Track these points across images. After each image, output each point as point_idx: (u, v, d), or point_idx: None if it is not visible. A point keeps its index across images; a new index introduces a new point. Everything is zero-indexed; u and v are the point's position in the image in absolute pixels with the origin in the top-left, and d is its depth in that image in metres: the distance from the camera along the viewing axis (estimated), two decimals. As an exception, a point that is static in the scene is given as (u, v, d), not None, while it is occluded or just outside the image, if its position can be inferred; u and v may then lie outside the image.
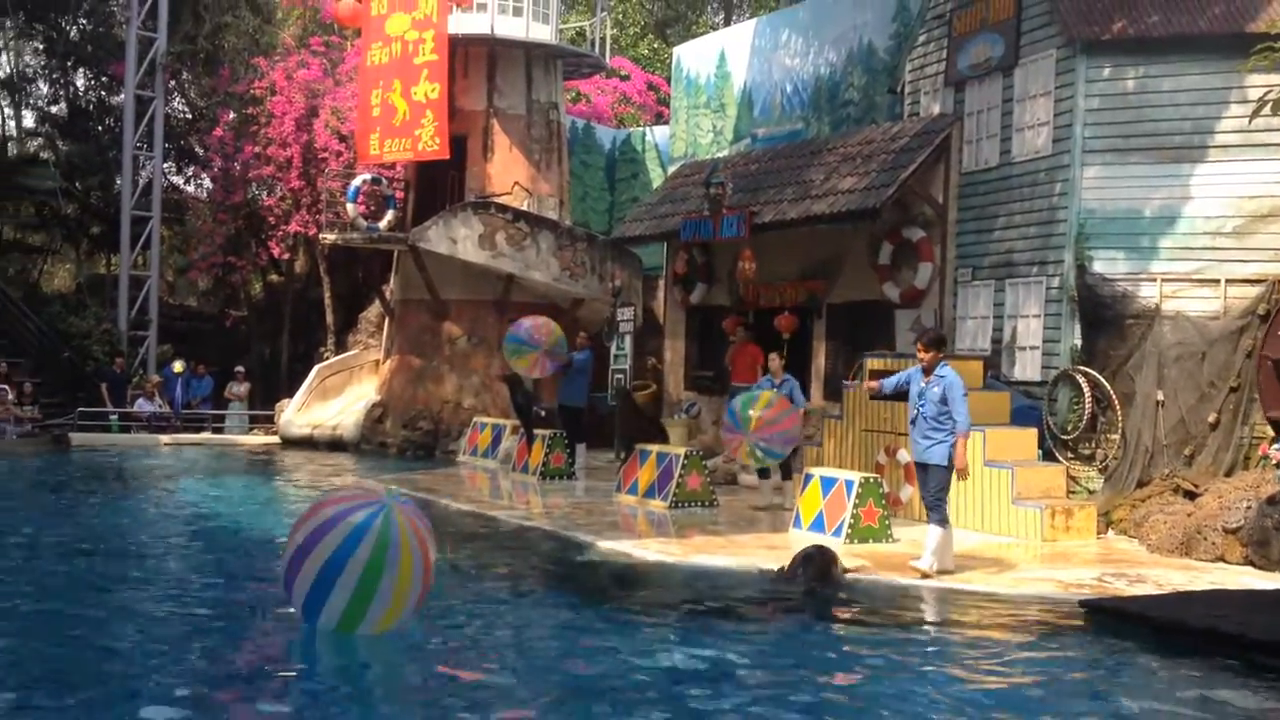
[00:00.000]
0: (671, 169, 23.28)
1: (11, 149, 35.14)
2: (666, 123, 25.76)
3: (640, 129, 27.12)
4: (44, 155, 33.23)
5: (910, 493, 12.97)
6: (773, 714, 6.19)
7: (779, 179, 18.01)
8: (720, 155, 21.74)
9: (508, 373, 17.66)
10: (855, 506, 11.63)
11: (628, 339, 19.88)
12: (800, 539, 11.83)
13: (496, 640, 7.94)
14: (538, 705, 6.42)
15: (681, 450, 14.56)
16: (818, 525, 11.94)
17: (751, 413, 13.23)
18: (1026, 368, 14.58)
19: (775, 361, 14.59)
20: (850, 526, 11.57)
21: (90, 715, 5.94)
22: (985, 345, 15.17)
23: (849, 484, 11.81)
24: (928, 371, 10.11)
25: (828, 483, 12.10)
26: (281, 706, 6.24)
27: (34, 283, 31.71)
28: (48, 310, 26.76)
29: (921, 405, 10.05)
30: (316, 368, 24.16)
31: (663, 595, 9.72)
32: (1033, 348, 14.53)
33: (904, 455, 12.97)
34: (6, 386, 22.04)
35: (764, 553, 11.02)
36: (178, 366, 24.82)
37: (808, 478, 12.48)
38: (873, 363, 14.12)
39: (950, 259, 15.95)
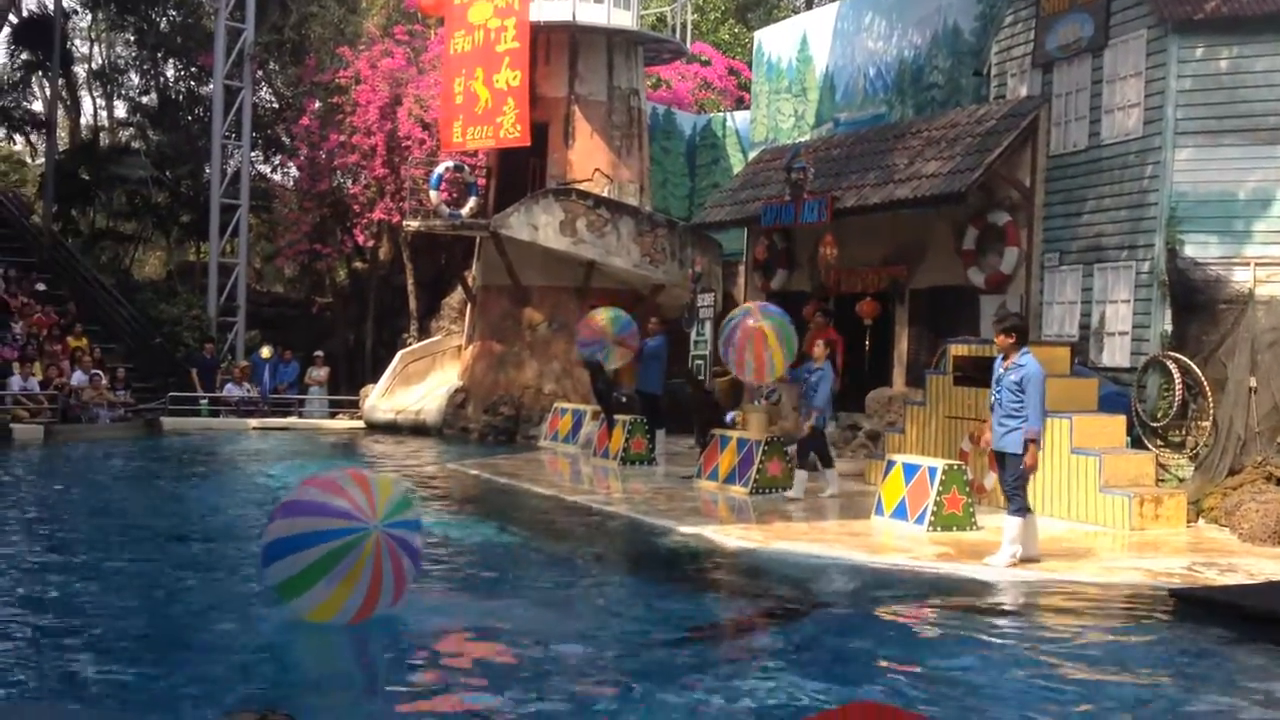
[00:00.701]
0: (752, 154, 23.19)
1: (104, 139, 36.01)
2: (747, 108, 25.66)
3: (721, 114, 27.04)
4: (135, 145, 34.00)
5: (994, 480, 12.81)
6: (853, 698, 6.17)
7: (861, 163, 17.86)
8: (802, 140, 21.61)
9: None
10: (939, 494, 11.52)
11: (708, 325, 19.83)
12: (883, 526, 11.78)
13: (579, 620, 7.99)
14: (620, 684, 6.46)
15: (762, 436, 14.53)
16: (900, 512, 11.85)
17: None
18: (1115, 354, 14.33)
19: (818, 347, 14.30)
20: (934, 514, 11.47)
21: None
22: (1073, 331, 14.94)
23: (932, 471, 11.71)
24: (1007, 357, 9.98)
25: (910, 469, 12.01)
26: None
27: (126, 270, 32.48)
28: (139, 297, 27.41)
29: (998, 391, 9.92)
30: (400, 354, 24.46)
31: (744, 581, 9.72)
32: (1121, 333, 14.28)
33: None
34: (100, 372, 22.59)
35: (846, 539, 10.98)
36: (265, 352, 25.27)
37: (890, 464, 12.39)
38: (956, 349, 13.98)
39: (1037, 243, 15.72)
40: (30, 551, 10.31)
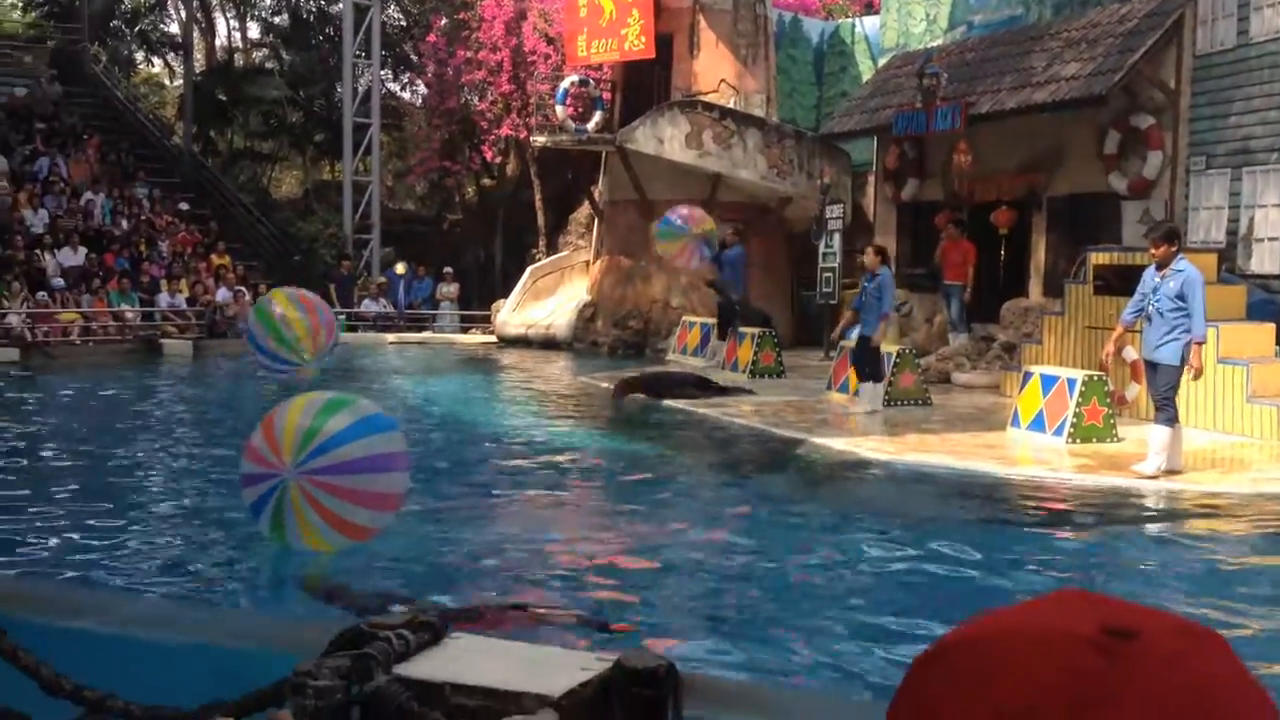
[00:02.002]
0: (882, 61, 22.69)
1: (239, 60, 36.74)
2: (877, 13, 25.05)
3: (849, 20, 26.45)
4: (269, 65, 34.63)
5: (1136, 391, 12.55)
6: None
7: (997, 67, 17.37)
8: (934, 45, 21.06)
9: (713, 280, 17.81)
10: (1078, 405, 11.33)
11: (836, 237, 19.65)
12: (1018, 438, 11.65)
13: (713, 532, 8.10)
14: (758, 595, 6.56)
15: (894, 348, 14.41)
16: (1038, 424, 11.69)
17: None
18: (1264, 260, 13.84)
19: (869, 255, 13.90)
20: (1073, 425, 11.29)
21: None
22: (1219, 237, 14.45)
23: (1071, 382, 11.50)
24: (1162, 267, 9.70)
25: (1048, 380, 11.80)
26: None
27: (264, 189, 33.32)
28: (278, 215, 28.17)
29: (1156, 301, 9.65)
30: (529, 269, 24.73)
31: (880, 492, 9.74)
32: (1271, 239, 13.77)
33: (1130, 352, 12.52)
34: (244, 288, 23.32)
35: (982, 451, 10.89)
36: (400, 268, 25.78)
37: (1027, 375, 12.20)
38: (1097, 257, 13.64)
39: (1182, 147, 15.17)
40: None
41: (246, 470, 6.52)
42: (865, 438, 11.85)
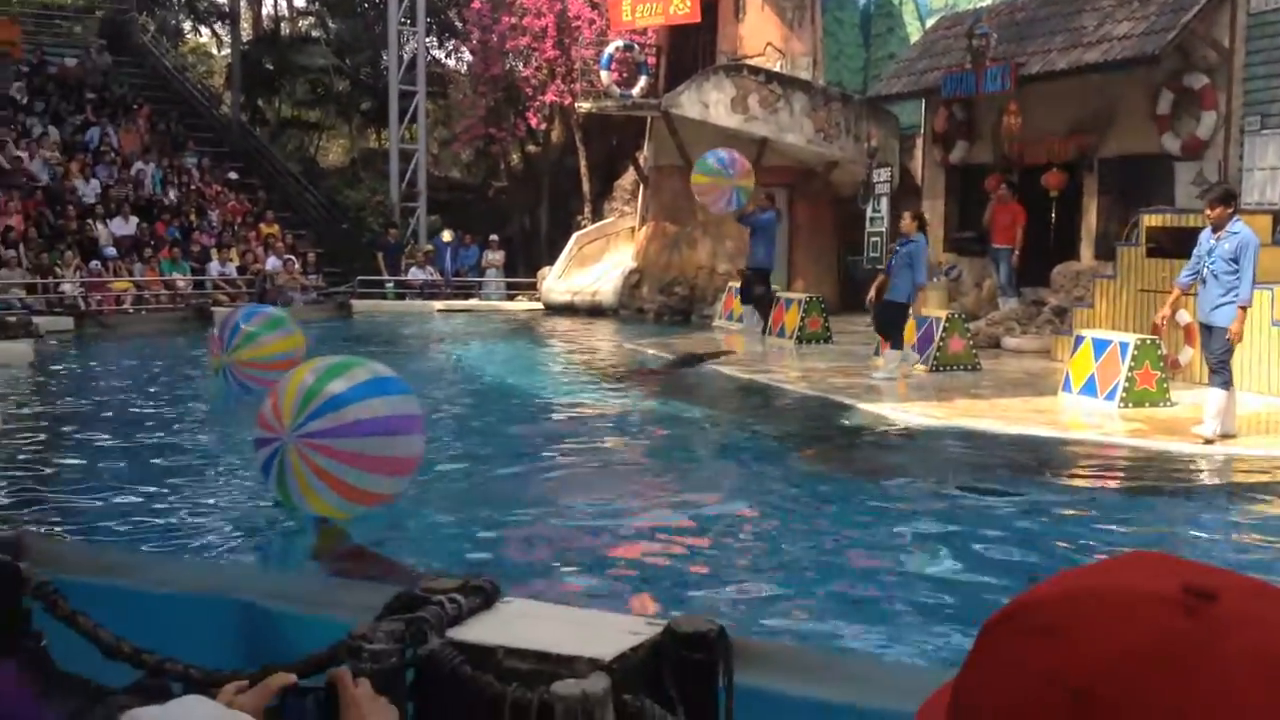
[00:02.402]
0: (930, 22, 22.41)
1: (285, 29, 36.88)
2: (925, -27, 24.73)
3: (897, -19, 26.12)
4: (315, 34, 34.75)
5: (1190, 355, 12.39)
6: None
7: (1047, 27, 17.11)
8: (983, 4, 20.75)
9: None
10: (1130, 369, 11.21)
11: (884, 201, 19.48)
12: (1070, 401, 11.55)
13: (759, 497, 8.11)
14: (808, 561, 6.57)
15: (943, 313, 14.31)
16: (1089, 388, 11.58)
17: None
18: (1321, 222, 13.57)
19: (906, 220, 13.72)
20: (1125, 390, 11.18)
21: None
22: (1275, 199, 14.18)
23: (1124, 346, 11.37)
24: (1217, 229, 9.55)
25: (1100, 345, 11.68)
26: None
27: (312, 158, 33.50)
28: (325, 184, 28.33)
29: (1211, 263, 9.51)
30: (575, 235, 24.73)
31: (928, 457, 9.69)
32: (1329, 200, 13.51)
33: (1184, 316, 12.37)
34: (293, 257, 23.51)
35: (1033, 416, 10.80)
36: (447, 236, 25.88)
37: (1078, 340, 12.08)
38: (1150, 219, 13.45)
39: (1236, 107, 14.87)
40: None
41: (255, 434, 6.49)
42: (914, 403, 11.79)
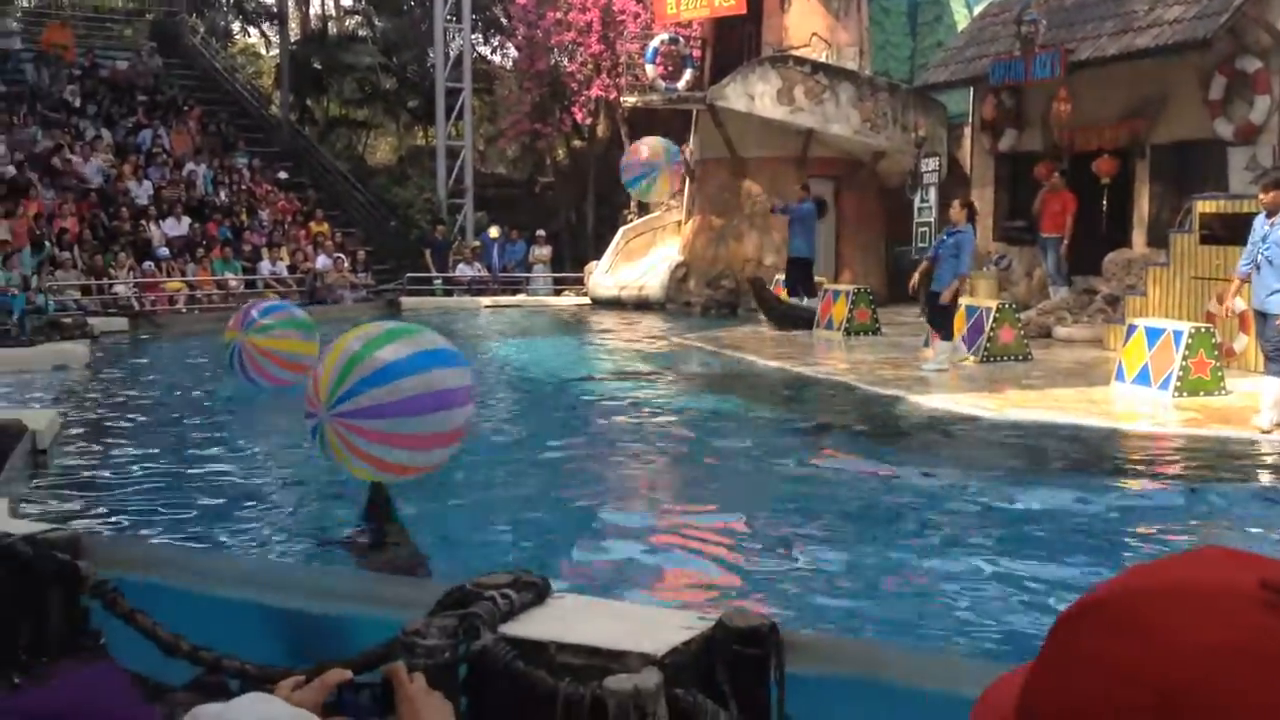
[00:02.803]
0: (978, 9, 22.21)
1: (332, 28, 37.15)
2: (971, -40, 24.51)
3: (943, -31, 25.91)
4: (362, 32, 34.98)
5: (1245, 343, 12.23)
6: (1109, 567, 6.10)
7: (1097, 12, 16.90)
8: (1031, -9, 20.55)
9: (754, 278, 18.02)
10: (1184, 358, 11.06)
11: (932, 190, 19.36)
12: (1124, 391, 11.42)
13: (811, 488, 8.08)
14: (860, 553, 6.54)
15: (993, 303, 14.18)
16: (1143, 378, 11.44)
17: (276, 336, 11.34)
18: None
19: (955, 209, 13.57)
20: (1179, 379, 11.03)
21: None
22: (1332, 183, 13.93)
23: (1177, 334, 11.22)
24: (1272, 214, 9.40)
25: (1153, 333, 11.54)
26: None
27: (360, 156, 33.74)
28: (373, 182, 28.50)
29: (1266, 249, 9.37)
30: (621, 230, 24.74)
31: (980, 449, 9.62)
32: (1389, 184, 13.24)
33: (1239, 303, 12.19)
34: (342, 255, 23.69)
35: (1086, 406, 10.69)
36: (494, 232, 25.98)
37: (1131, 328, 11.93)
38: (1203, 205, 13.27)
39: (1292, 90, 14.65)
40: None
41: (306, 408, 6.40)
42: (964, 394, 11.70)
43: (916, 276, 13.90)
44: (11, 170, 21.67)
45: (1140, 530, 6.86)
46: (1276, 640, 0.69)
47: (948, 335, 13.35)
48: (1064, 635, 0.77)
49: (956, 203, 13.70)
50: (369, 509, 6.84)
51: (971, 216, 13.56)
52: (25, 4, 36.32)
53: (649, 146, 16.96)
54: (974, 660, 3.99)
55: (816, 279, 18.53)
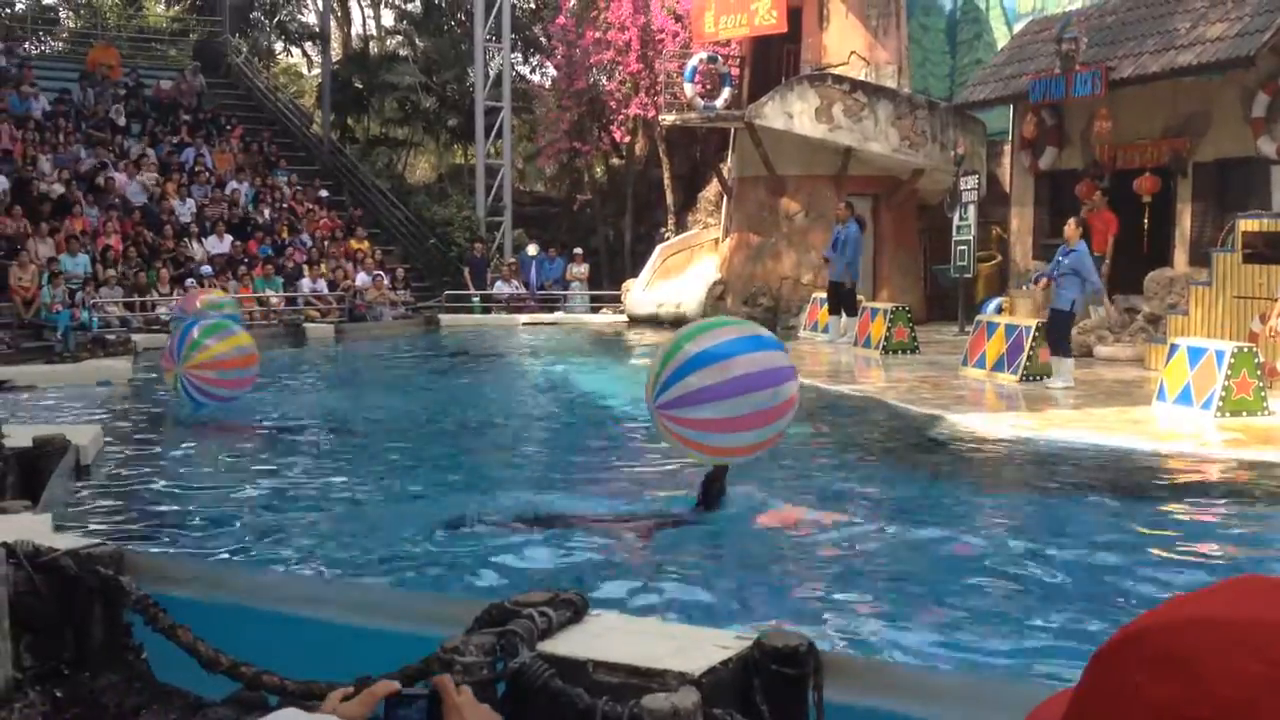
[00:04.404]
0: (1018, 27, 22.13)
1: (373, 48, 37.47)
2: (1011, -22, 24.43)
3: (982, -13, 25.84)
4: (403, 52, 35.27)
5: (1289, 363, 12.09)
6: (1162, 583, 6.03)
7: (1139, 30, 16.81)
8: (1072, 8, 20.45)
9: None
10: (1227, 378, 10.94)
11: (971, 209, 19.26)
12: (1165, 411, 11.31)
13: (852, 511, 8.04)
14: (898, 574, 6.49)
15: (1033, 322, 14.09)
16: (1185, 398, 11.33)
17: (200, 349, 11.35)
18: None
19: (1070, 227, 13.50)
20: (1222, 399, 10.91)
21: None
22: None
23: (1219, 354, 11.11)
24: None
25: (1195, 353, 11.42)
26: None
27: (400, 174, 33.98)
28: (413, 200, 28.69)
29: None
30: (659, 247, 24.77)
31: (1022, 469, 9.54)
32: None
33: (1279, 323, 12.07)
34: (382, 272, 23.85)
35: (1127, 426, 10.59)
36: (532, 250, 26.08)
37: (1173, 348, 11.82)
38: (1246, 224, 13.14)
39: (1337, 107, 14.51)
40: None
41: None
42: (1005, 413, 11.63)
43: (1039, 295, 13.95)
44: (59, 189, 21.97)
45: (1185, 555, 6.77)
46: None
47: (1067, 352, 13.29)
48: (1103, 667, 0.76)
49: (1072, 221, 13.65)
50: (705, 490, 7.43)
51: (1086, 234, 13.49)
52: (71, 25, 36.89)
53: (191, 303, 15.34)
54: (1010, 683, 3.95)
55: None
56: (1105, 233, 16.66)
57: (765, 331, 7.24)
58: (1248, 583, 0.77)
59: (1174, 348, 11.80)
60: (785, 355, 7.07)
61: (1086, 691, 0.76)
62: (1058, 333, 13.20)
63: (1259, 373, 11.10)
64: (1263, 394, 11.05)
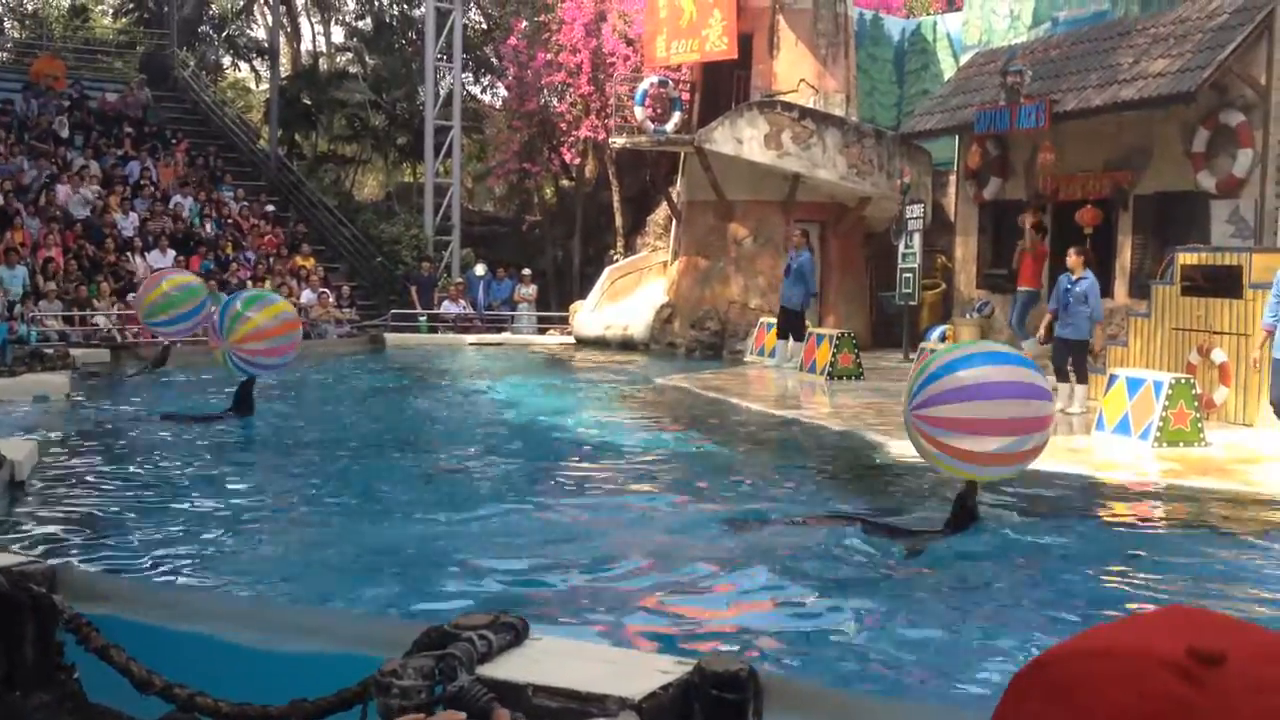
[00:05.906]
0: (964, 58, 22.46)
1: (323, 64, 37.30)
2: (959, 10, 24.79)
3: (931, 18, 26.21)
4: (353, 69, 35.14)
5: (1225, 395, 12.31)
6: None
7: (1082, 64, 17.11)
8: (1018, 42, 20.79)
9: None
10: (1165, 408, 11.11)
11: (916, 237, 19.48)
12: (1104, 441, 11.46)
13: (795, 541, 8.06)
14: (840, 598, 6.52)
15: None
16: (1123, 427, 11.49)
17: (243, 321, 11.70)
18: (1361, 261, 13.44)
19: (1073, 256, 13.73)
20: (1159, 429, 11.08)
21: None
22: (1313, 237, 14.09)
23: (1158, 385, 11.28)
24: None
25: (1134, 383, 11.60)
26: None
27: (347, 192, 33.80)
28: (360, 218, 28.52)
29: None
30: (607, 269, 24.81)
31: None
32: (1368, 239, 13.39)
33: (1219, 354, 12.29)
34: (327, 290, 23.67)
35: (1066, 455, 10.72)
36: (480, 270, 26.01)
37: (1112, 378, 11.99)
38: (1185, 257, 13.37)
39: (1273, 144, 14.82)
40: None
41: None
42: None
43: (1043, 331, 14.06)
44: (-1, 200, 21.65)
45: (1118, 583, 6.85)
46: (1180, 710, 0.69)
47: (1083, 379, 13.40)
48: (1017, 691, 0.78)
49: (1073, 251, 13.45)
50: (957, 511, 7.57)
51: (1089, 263, 13.57)
52: (16, 35, 36.41)
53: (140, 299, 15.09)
54: (945, 708, 3.98)
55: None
56: (1039, 267, 16.96)
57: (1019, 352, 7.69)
58: (1167, 614, 0.78)
59: (1113, 378, 11.98)
60: (1043, 375, 7.41)
61: (998, 717, 0.78)
62: (1077, 361, 13.33)
63: (1196, 404, 11.29)
64: (1199, 426, 11.22)
